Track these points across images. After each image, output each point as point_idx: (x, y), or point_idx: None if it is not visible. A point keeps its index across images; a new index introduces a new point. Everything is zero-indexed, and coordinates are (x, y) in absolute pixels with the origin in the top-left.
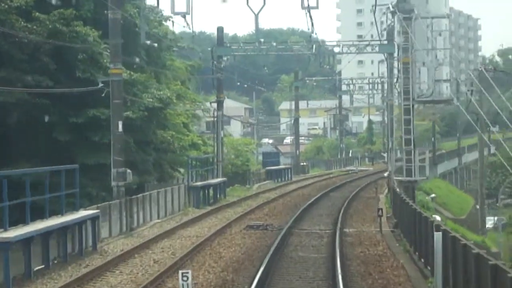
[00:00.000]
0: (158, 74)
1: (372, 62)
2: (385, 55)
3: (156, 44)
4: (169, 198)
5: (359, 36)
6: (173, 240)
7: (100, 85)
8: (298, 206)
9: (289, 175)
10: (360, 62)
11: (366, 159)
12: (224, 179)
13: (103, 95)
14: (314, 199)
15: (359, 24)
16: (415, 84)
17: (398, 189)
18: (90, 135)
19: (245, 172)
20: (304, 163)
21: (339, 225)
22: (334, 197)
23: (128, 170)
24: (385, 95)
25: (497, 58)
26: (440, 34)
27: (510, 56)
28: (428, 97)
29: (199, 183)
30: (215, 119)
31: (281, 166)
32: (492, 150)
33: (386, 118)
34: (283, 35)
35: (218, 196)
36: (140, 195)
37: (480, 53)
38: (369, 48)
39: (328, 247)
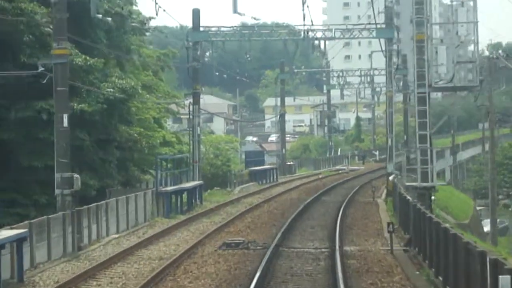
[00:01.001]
0: (121, 61)
1: (359, 57)
2: (379, 42)
3: (110, 19)
4: (132, 206)
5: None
6: (128, 265)
7: (41, 69)
8: (286, 215)
9: (275, 176)
10: (347, 57)
11: (356, 158)
12: (201, 182)
13: (44, 81)
14: (304, 205)
15: (346, 18)
16: (432, 67)
17: (407, 196)
18: (36, 132)
19: (225, 174)
20: (291, 163)
21: (337, 241)
22: (327, 202)
23: (76, 175)
24: (376, 89)
25: (487, 53)
26: (462, 4)
27: (500, 51)
28: (447, 82)
29: (169, 188)
30: (191, 113)
31: (266, 166)
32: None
33: (387, 112)
34: (267, 29)
35: (193, 202)
36: (93, 204)
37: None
38: (365, 33)
39: (327, 277)
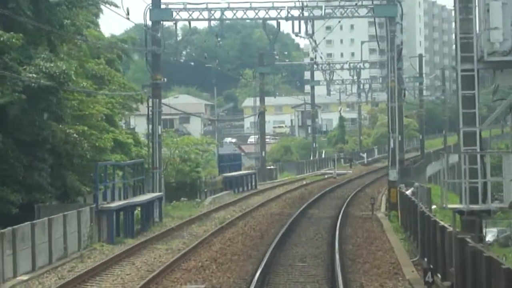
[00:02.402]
0: (53, 40)
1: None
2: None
3: None
4: (58, 231)
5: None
6: None
7: None
8: (267, 239)
9: (253, 183)
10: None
11: (342, 161)
12: (160, 194)
13: None
14: (288, 224)
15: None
16: (482, 34)
17: (445, 225)
18: None
19: (194, 181)
20: (272, 167)
21: None
22: (316, 218)
23: None
24: (361, 87)
25: None
26: None
27: None
28: (506, 54)
29: (114, 204)
30: (151, 109)
31: (243, 172)
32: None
33: (388, 106)
34: (246, 28)
35: (149, 219)
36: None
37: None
38: (362, 11)
39: None
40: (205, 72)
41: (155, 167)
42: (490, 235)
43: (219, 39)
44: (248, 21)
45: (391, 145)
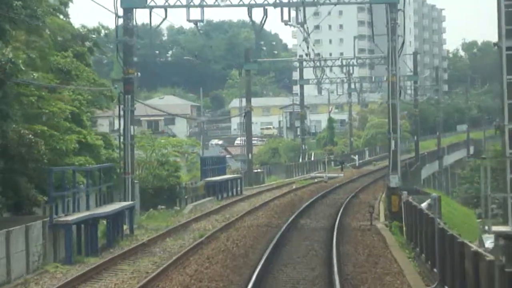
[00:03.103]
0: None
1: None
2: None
3: None
4: None
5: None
6: None
7: None
8: (251, 257)
9: (239, 188)
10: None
11: (332, 163)
12: (131, 203)
13: None
14: (277, 238)
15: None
16: None
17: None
18: None
19: (173, 187)
20: (259, 170)
21: None
22: (309, 229)
23: None
24: (353, 86)
25: (461, 53)
26: None
27: (475, 50)
28: None
29: (72, 218)
30: (122, 108)
31: (228, 176)
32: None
33: (389, 103)
34: (233, 28)
35: (118, 233)
36: None
37: (444, 46)
38: None
39: None
40: (191, 73)
41: (127, 172)
42: (489, 241)
43: (200, 30)
44: (235, 20)
45: (392, 147)
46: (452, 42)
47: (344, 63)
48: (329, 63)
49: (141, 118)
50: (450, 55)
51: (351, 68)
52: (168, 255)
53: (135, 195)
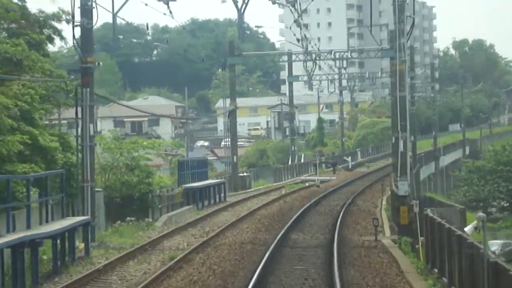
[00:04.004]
0: None
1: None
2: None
3: None
4: None
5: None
6: None
7: None
8: None
9: (222, 194)
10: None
11: (323, 165)
12: (86, 218)
13: None
14: (264, 261)
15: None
16: None
17: None
18: None
19: (144, 196)
20: (245, 173)
21: None
22: (302, 248)
23: None
24: (347, 82)
25: (452, 51)
26: None
27: (466, 49)
28: None
29: (2, 240)
30: (80, 102)
31: (209, 182)
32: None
33: (397, 95)
34: (219, 26)
35: (69, 255)
36: None
37: (435, 45)
38: None
39: None
40: (177, 73)
41: (85, 179)
42: (493, 248)
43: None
44: (221, 19)
45: (400, 147)
46: (443, 40)
47: (337, 56)
48: (321, 56)
49: (125, 119)
50: (441, 53)
51: (344, 62)
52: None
53: (99, 206)
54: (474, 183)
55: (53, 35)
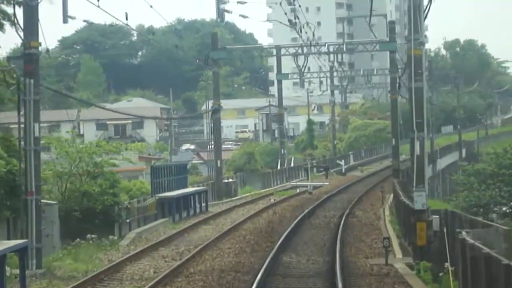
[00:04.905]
0: None
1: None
2: None
3: None
4: None
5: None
6: None
7: None
8: None
9: (203, 204)
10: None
11: (315, 169)
12: (22, 242)
13: None
14: None
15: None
16: None
17: None
18: None
19: (109, 209)
20: (230, 179)
21: None
22: (297, 278)
23: None
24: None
25: (443, 51)
26: None
27: (458, 49)
28: None
29: None
30: (23, 95)
31: (188, 190)
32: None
33: (412, 89)
34: (205, 27)
35: None
36: None
37: (426, 45)
38: None
39: None
40: (162, 74)
41: (29, 191)
42: None
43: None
44: (207, 19)
45: (417, 151)
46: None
47: (331, 49)
48: (313, 49)
49: (108, 122)
50: (432, 54)
51: (337, 56)
52: None
53: (53, 222)
54: (475, 187)
55: (2, 21)
